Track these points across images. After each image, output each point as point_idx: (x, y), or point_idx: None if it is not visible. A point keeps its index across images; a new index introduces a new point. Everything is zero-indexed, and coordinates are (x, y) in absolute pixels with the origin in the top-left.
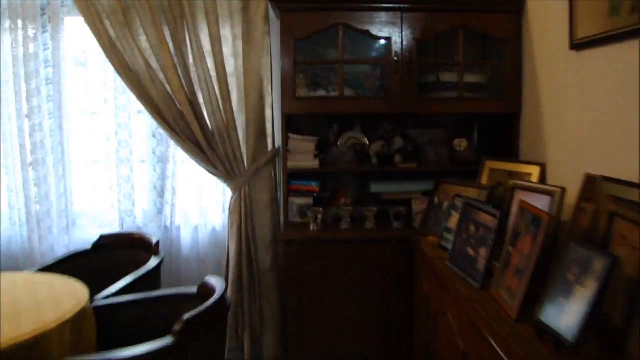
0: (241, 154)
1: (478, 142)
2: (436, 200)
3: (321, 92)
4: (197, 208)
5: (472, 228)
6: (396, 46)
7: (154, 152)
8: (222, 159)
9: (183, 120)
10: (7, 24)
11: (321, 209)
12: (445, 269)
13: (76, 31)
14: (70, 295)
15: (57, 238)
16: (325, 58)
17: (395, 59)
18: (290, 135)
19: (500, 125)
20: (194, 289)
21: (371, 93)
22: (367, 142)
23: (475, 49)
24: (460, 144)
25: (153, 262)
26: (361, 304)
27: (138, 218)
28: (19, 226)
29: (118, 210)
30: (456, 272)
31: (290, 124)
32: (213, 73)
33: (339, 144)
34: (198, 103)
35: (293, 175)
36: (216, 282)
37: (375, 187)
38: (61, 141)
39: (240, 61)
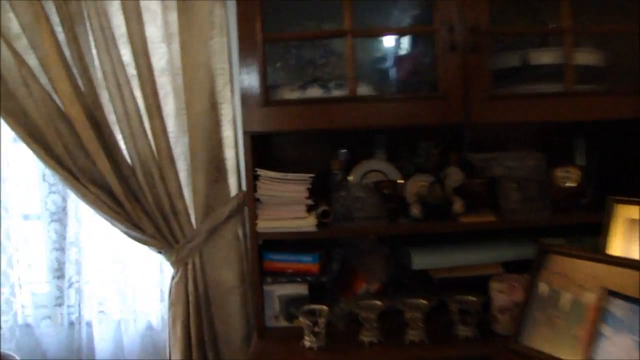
0: (184, 204)
1: (588, 171)
2: (541, 287)
3: (315, 91)
4: (120, 293)
5: None
6: (451, 8)
7: (45, 205)
8: (153, 215)
9: (83, 151)
10: None
11: (323, 307)
12: None
13: None
14: None
15: None
16: (317, 30)
17: (451, 26)
18: (261, 172)
19: (625, 140)
20: None
21: (405, 90)
22: (400, 179)
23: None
24: (568, 175)
25: None
26: None
27: (26, 310)
28: None
29: None
30: None
31: (265, 150)
32: (132, 70)
33: (350, 182)
34: (106, 121)
35: (270, 243)
36: None
37: (420, 260)
38: None
39: (177, 46)
